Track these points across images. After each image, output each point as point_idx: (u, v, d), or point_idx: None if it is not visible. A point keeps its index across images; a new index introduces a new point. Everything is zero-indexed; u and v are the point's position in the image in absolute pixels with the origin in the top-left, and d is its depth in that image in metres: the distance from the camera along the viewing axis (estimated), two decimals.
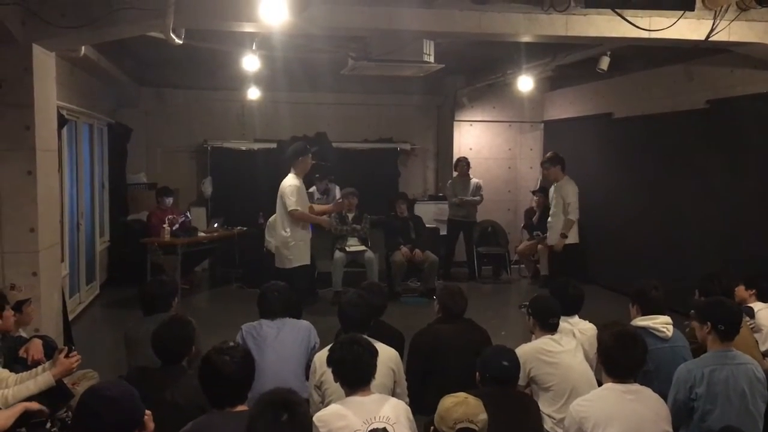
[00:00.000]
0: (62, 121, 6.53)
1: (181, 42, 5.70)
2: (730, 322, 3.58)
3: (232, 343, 3.06)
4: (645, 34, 5.63)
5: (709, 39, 5.68)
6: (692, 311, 4.01)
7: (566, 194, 7.50)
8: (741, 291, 4.96)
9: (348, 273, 8.55)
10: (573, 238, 7.61)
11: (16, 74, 5.08)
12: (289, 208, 6.63)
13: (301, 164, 6.83)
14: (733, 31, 5.74)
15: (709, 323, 3.61)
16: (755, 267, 5.54)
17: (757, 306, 4.84)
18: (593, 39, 6.12)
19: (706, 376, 3.43)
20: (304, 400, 2.95)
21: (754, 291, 4.96)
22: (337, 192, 9.38)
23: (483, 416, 2.53)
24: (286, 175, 6.88)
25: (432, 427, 2.59)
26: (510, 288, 9.87)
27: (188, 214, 9.40)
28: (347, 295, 4.19)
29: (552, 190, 7.91)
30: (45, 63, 5.43)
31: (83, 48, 6.24)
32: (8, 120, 5.09)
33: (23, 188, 5.14)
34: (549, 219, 7.96)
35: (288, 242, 6.71)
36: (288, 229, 6.64)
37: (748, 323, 4.55)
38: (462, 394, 2.62)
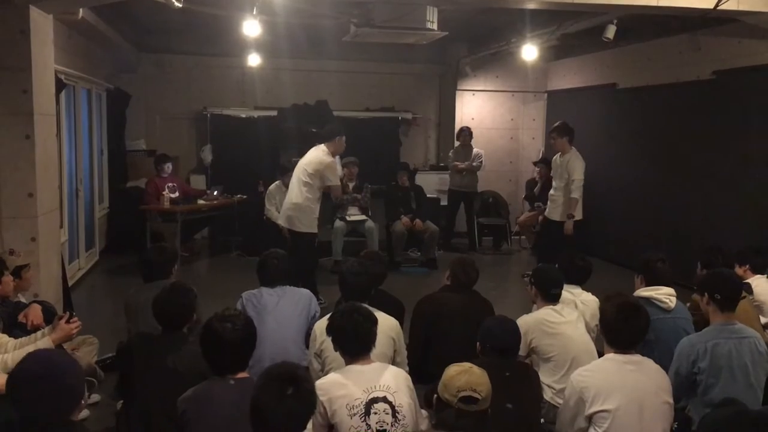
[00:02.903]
0: (60, 86, 6.46)
1: (180, 5, 5.62)
2: (726, 291, 3.58)
3: (233, 311, 3.05)
4: (653, 2, 5.53)
5: (718, 8, 5.59)
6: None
7: (573, 169, 7.17)
8: (736, 269, 4.93)
9: (348, 242, 8.56)
10: (577, 214, 7.43)
11: (13, 37, 5.00)
12: (333, 183, 6.76)
13: (338, 144, 6.77)
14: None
15: (706, 294, 3.61)
16: (759, 239, 5.53)
17: (754, 281, 4.83)
18: (600, 6, 6.03)
19: (709, 350, 3.43)
20: (309, 374, 2.95)
21: (747, 266, 4.95)
22: (338, 161, 9.31)
23: (487, 386, 2.53)
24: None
25: (435, 395, 2.58)
26: (510, 259, 9.87)
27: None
28: (348, 263, 4.18)
29: (556, 161, 7.62)
30: (42, 25, 5.34)
31: (81, 11, 6.15)
32: (5, 83, 5.03)
33: (21, 152, 5.10)
34: (552, 192, 7.69)
35: (309, 209, 6.68)
36: (312, 196, 6.65)
37: (748, 299, 4.54)
38: (467, 364, 2.61)
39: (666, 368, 3.36)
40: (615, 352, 3.18)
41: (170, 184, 8.76)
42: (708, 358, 3.41)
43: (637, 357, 3.18)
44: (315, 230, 6.77)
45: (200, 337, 2.92)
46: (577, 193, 7.25)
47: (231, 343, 2.83)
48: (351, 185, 8.76)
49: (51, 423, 2.22)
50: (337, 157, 9.20)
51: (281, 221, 6.91)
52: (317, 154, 6.71)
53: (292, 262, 5.65)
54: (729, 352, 3.42)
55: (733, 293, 3.61)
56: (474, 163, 9.77)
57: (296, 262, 6.43)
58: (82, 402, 2.34)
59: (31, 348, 3.47)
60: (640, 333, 3.21)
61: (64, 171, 7.07)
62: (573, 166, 7.28)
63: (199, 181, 10.10)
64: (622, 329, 3.17)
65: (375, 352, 3.17)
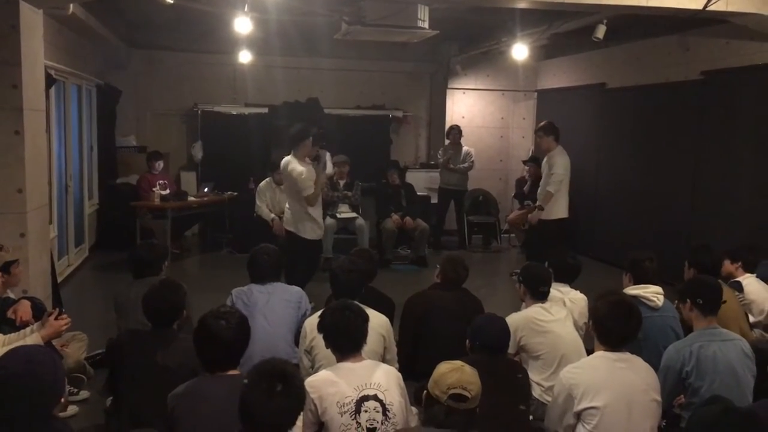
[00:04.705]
0: (50, 81, 6.42)
1: (172, 1, 5.60)
2: (707, 296, 3.61)
3: (228, 308, 3.05)
4: (643, 2, 5.56)
5: (707, 8, 5.62)
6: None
7: (553, 164, 7.29)
8: (727, 265, 4.97)
9: (338, 240, 8.56)
10: (562, 212, 7.41)
11: (3, 32, 4.97)
12: (305, 194, 6.21)
13: (302, 149, 6.30)
14: (731, 1, 5.68)
15: (688, 300, 3.64)
16: (747, 238, 5.56)
17: (745, 280, 4.86)
18: (591, 6, 6.04)
19: (695, 353, 3.44)
20: (298, 371, 2.95)
21: (739, 263, 4.97)
22: (328, 159, 9.30)
23: (477, 385, 2.54)
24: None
25: (425, 392, 2.60)
26: (500, 257, 9.90)
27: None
28: (338, 261, 4.19)
29: (545, 160, 7.73)
30: (32, 21, 5.31)
31: (71, 6, 6.11)
32: None
33: (10, 148, 5.06)
34: (540, 190, 7.76)
35: (305, 216, 6.37)
36: (305, 206, 6.30)
37: (738, 297, 4.58)
38: (459, 362, 2.63)
39: (653, 366, 3.38)
40: (605, 350, 3.20)
41: (161, 181, 8.74)
42: (694, 360, 3.42)
43: (627, 355, 3.19)
44: (315, 237, 6.46)
45: (194, 334, 2.92)
46: (552, 187, 7.23)
47: (224, 340, 2.83)
48: (342, 183, 8.78)
49: (31, 420, 2.20)
50: (327, 154, 9.22)
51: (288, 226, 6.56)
52: (286, 162, 6.32)
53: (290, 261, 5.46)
54: (714, 354, 3.42)
55: (714, 297, 3.63)
56: (465, 164, 9.76)
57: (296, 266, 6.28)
58: (62, 399, 2.33)
59: (19, 345, 3.46)
60: (632, 331, 3.22)
61: (53, 167, 7.04)
62: (554, 161, 7.31)
63: (189, 178, 10.07)
64: (614, 327, 3.18)
65: (365, 349, 3.17)
